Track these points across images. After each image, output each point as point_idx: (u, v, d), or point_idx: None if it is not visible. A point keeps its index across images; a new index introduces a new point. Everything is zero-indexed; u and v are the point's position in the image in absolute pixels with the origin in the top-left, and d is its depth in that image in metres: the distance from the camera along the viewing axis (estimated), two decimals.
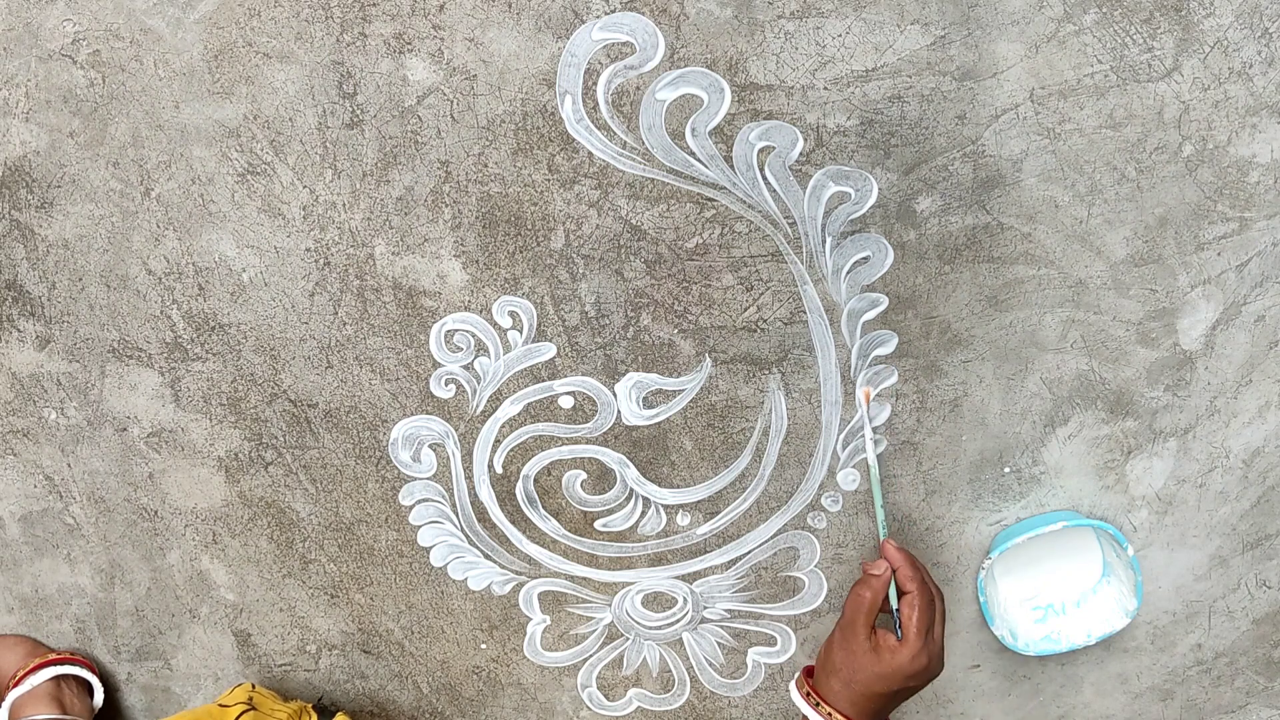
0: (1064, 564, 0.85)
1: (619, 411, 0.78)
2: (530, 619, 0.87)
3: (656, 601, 0.86)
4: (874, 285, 0.74)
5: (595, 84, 0.67)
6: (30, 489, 0.85)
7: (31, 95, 0.70)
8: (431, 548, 0.84)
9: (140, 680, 0.93)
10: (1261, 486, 0.81)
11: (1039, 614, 0.85)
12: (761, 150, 0.69)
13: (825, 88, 0.67)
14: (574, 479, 0.81)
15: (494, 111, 0.69)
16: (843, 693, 0.69)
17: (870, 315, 0.75)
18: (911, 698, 0.71)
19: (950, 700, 0.90)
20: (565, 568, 0.85)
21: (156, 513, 0.85)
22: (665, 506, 0.82)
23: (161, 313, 0.77)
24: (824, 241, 0.72)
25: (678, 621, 0.87)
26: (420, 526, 0.83)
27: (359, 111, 0.69)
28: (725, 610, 0.86)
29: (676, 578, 0.85)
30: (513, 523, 0.83)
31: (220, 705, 0.79)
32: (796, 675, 0.74)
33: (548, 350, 0.76)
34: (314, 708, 0.85)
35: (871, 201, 0.71)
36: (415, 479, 0.82)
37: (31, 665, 0.85)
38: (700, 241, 0.72)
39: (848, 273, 0.73)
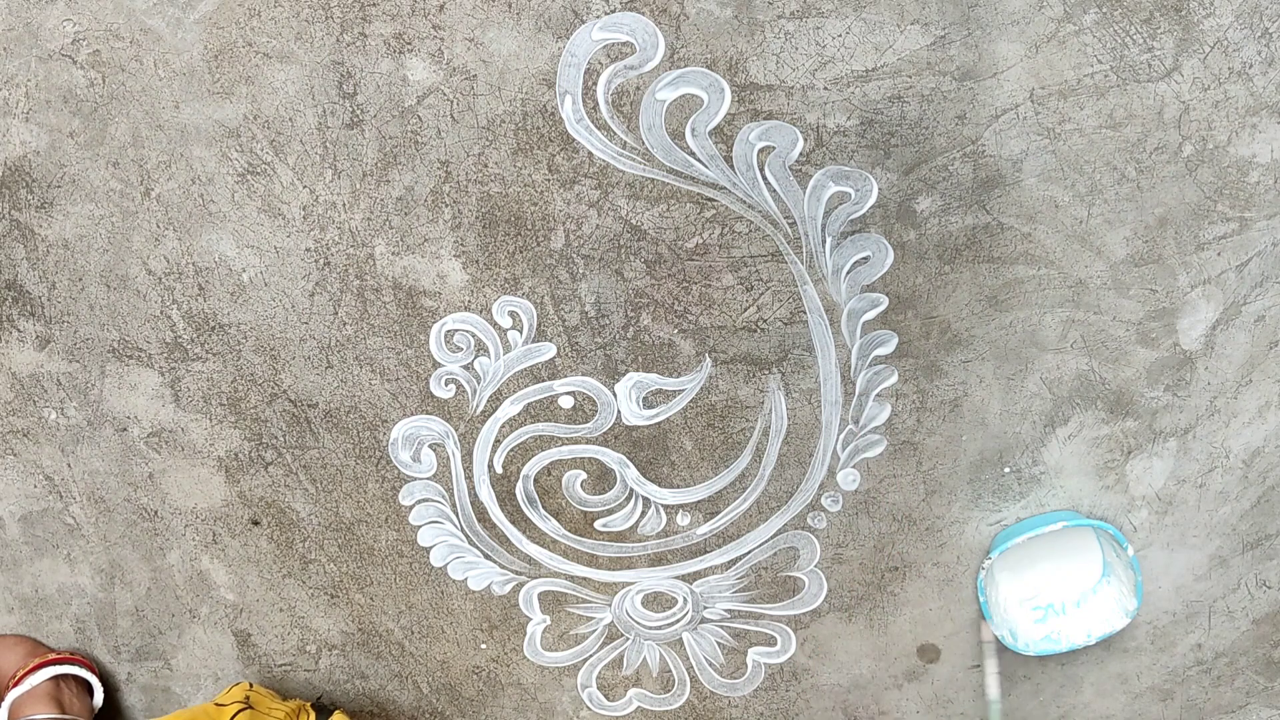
0: (1064, 564, 0.85)
1: (619, 411, 0.78)
2: (530, 619, 0.87)
3: (656, 601, 0.86)
4: (874, 285, 0.74)
5: (595, 84, 0.67)
6: (30, 489, 0.85)
7: (31, 95, 0.70)
8: (431, 548, 0.84)
9: (140, 680, 0.93)
10: (1261, 486, 0.81)
11: (1039, 614, 0.85)
12: (761, 150, 0.69)
13: (825, 88, 0.67)
14: (574, 479, 0.81)
15: (494, 111, 0.69)
16: None
17: (870, 315, 0.75)
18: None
19: (950, 700, 0.90)
20: (565, 568, 0.85)
21: (156, 513, 0.84)
22: (665, 506, 0.82)
23: (161, 313, 0.77)
24: (824, 241, 0.72)
25: (678, 621, 0.87)
26: (420, 526, 0.83)
27: (359, 111, 0.69)
28: (725, 610, 0.86)
29: (676, 578, 0.85)
30: (513, 523, 0.83)
31: (217, 704, 0.79)
32: None
33: (548, 350, 0.76)
34: (312, 706, 0.85)
35: (871, 201, 0.71)
36: (415, 479, 0.82)
37: (31, 665, 0.85)
38: (700, 241, 0.72)
39: (848, 273, 0.73)
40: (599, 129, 0.69)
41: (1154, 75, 0.67)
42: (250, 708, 0.80)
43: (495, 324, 0.76)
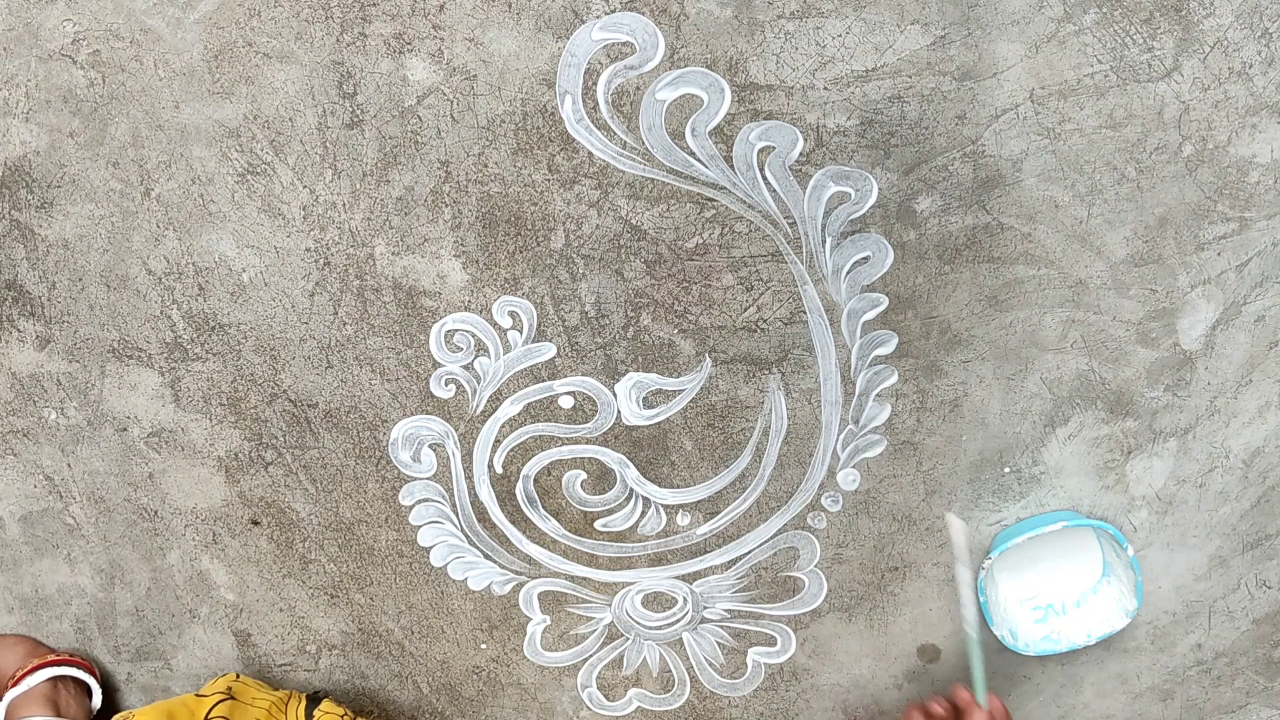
0: (1064, 564, 0.85)
1: (619, 411, 0.78)
2: (530, 619, 0.87)
3: (656, 601, 0.86)
4: (874, 285, 0.74)
5: (595, 84, 0.67)
6: (30, 489, 0.85)
7: (31, 95, 0.70)
8: (431, 548, 0.84)
9: (140, 680, 0.93)
10: (1261, 486, 0.81)
11: (1039, 614, 0.85)
12: (761, 150, 0.69)
13: (825, 88, 0.67)
14: (574, 479, 0.81)
15: (494, 111, 0.69)
16: None
17: (870, 315, 0.75)
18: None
19: None
20: (565, 568, 0.85)
21: (156, 513, 0.84)
22: (665, 506, 0.82)
23: (161, 313, 0.77)
24: (824, 241, 0.72)
25: (678, 621, 0.87)
26: (420, 526, 0.83)
27: (359, 111, 0.69)
28: (725, 610, 0.86)
29: (676, 578, 0.85)
30: (513, 523, 0.83)
31: (198, 695, 0.79)
32: None
33: (548, 350, 0.76)
34: (307, 697, 0.84)
35: (871, 201, 0.71)
36: (415, 479, 0.82)
37: (30, 666, 0.85)
38: (700, 241, 0.72)
39: (848, 273, 0.73)
40: (599, 129, 0.69)
41: (1154, 75, 0.67)
42: (232, 698, 0.79)
43: (495, 324, 0.76)
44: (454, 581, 0.86)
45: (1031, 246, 0.72)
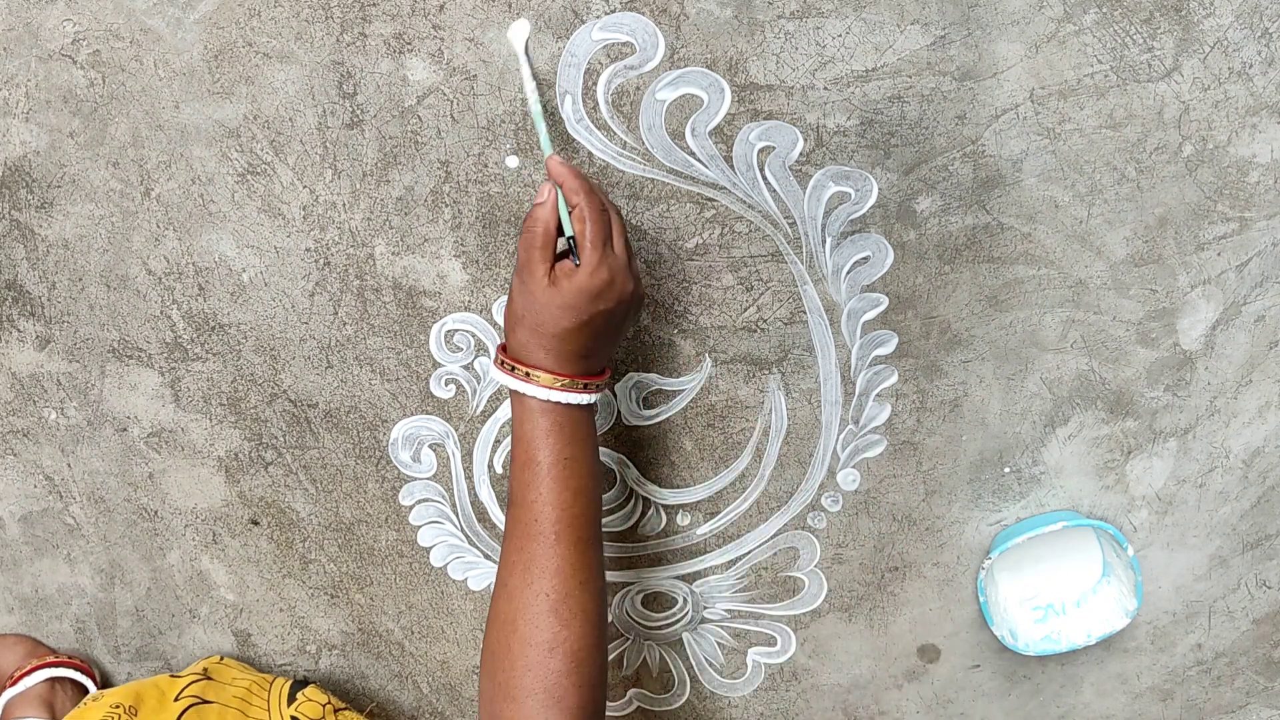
0: (1064, 564, 0.85)
1: (619, 411, 0.78)
2: None
3: (656, 601, 0.86)
4: (874, 285, 0.74)
5: (595, 84, 0.67)
6: (30, 489, 0.85)
7: (31, 95, 0.70)
8: (431, 548, 0.84)
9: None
10: (1261, 486, 0.82)
11: (1039, 614, 0.85)
12: (761, 150, 0.69)
13: (825, 88, 0.67)
14: None
15: (494, 111, 0.69)
16: (532, 341, 0.61)
17: (870, 315, 0.75)
18: (625, 334, 0.64)
19: (950, 700, 0.90)
20: None
21: (156, 513, 0.84)
22: (665, 506, 0.82)
23: (161, 313, 0.77)
24: (824, 241, 0.72)
25: (678, 621, 0.87)
26: (420, 526, 0.83)
27: (359, 111, 0.69)
28: (725, 610, 0.86)
29: (676, 578, 0.85)
30: None
31: (172, 676, 0.78)
32: (497, 359, 0.64)
33: None
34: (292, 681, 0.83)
35: (871, 201, 0.71)
36: (415, 479, 0.82)
37: (28, 666, 0.85)
38: (700, 241, 0.72)
39: (848, 273, 0.73)
40: (599, 129, 0.69)
41: (1154, 75, 0.67)
42: (208, 678, 0.78)
43: (495, 324, 0.76)
44: (454, 581, 0.86)
45: (1031, 246, 0.72)
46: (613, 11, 0.65)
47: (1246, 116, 0.68)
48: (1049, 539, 0.83)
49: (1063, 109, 0.68)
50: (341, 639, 0.89)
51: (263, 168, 0.71)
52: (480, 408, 0.79)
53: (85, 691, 0.88)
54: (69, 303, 0.77)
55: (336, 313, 0.76)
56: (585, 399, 0.62)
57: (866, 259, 0.73)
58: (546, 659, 0.61)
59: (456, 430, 0.79)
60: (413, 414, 0.79)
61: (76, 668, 0.88)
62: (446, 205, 0.72)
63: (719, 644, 0.88)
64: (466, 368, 0.77)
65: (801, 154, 0.69)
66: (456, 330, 0.76)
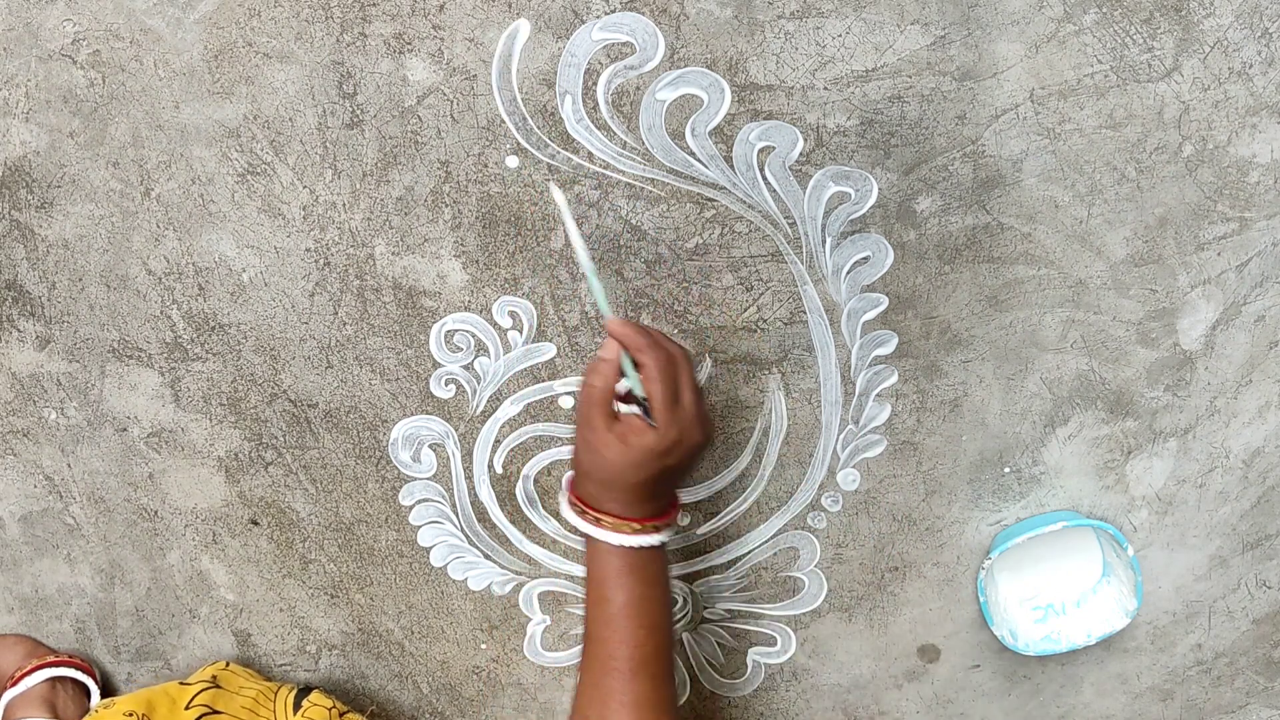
0: (1064, 564, 0.85)
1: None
2: (530, 619, 0.87)
3: None
4: (874, 285, 0.74)
5: (595, 84, 0.67)
6: (30, 489, 0.85)
7: (31, 95, 0.70)
8: (431, 548, 0.84)
9: (140, 680, 0.93)
10: (1261, 486, 0.82)
11: (1039, 614, 0.85)
12: (761, 150, 0.69)
13: (825, 88, 0.67)
14: None
15: (494, 111, 0.69)
16: (602, 494, 0.62)
17: (870, 315, 0.75)
18: (691, 469, 0.65)
19: (950, 700, 0.90)
20: (565, 568, 0.85)
21: (156, 513, 0.84)
22: None
23: (161, 313, 0.77)
24: (824, 241, 0.72)
25: (678, 621, 0.87)
26: (420, 526, 0.83)
27: (359, 111, 0.69)
28: (725, 610, 0.86)
29: (676, 578, 0.85)
30: (513, 523, 0.83)
31: (182, 683, 0.78)
32: (565, 494, 0.66)
33: (548, 350, 0.76)
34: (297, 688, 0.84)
35: (871, 201, 0.71)
36: (415, 479, 0.82)
37: (29, 666, 0.85)
38: (700, 241, 0.72)
39: (848, 273, 0.73)
40: (599, 129, 0.69)
41: (1154, 75, 0.67)
42: (217, 686, 0.78)
43: (495, 324, 0.76)
44: (454, 581, 0.86)
45: (1031, 246, 0.72)
46: (613, 11, 0.65)
47: (1246, 116, 0.68)
48: (1049, 539, 0.83)
49: (1063, 109, 0.68)
50: (341, 639, 0.89)
51: (263, 168, 0.71)
52: (480, 408, 0.79)
53: (86, 691, 0.88)
54: (69, 303, 0.77)
55: (336, 313, 0.76)
56: (655, 540, 0.63)
57: (866, 259, 0.73)
58: None
59: (456, 430, 0.79)
60: (413, 414, 0.79)
61: (77, 667, 0.88)
62: (446, 205, 0.72)
63: (719, 644, 0.88)
64: (466, 368, 0.77)
65: (801, 154, 0.69)
66: (456, 330, 0.76)
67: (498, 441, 0.80)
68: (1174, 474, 0.81)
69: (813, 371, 0.76)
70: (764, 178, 0.70)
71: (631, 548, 0.63)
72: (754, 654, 0.88)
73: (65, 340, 0.78)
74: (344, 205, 0.72)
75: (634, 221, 0.72)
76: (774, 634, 0.87)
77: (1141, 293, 0.74)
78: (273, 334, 0.77)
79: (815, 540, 0.83)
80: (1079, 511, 0.82)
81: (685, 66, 0.67)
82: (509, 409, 0.78)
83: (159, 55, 0.68)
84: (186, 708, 0.74)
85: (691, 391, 0.62)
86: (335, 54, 0.68)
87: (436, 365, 0.77)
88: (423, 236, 0.73)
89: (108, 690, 0.91)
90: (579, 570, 0.84)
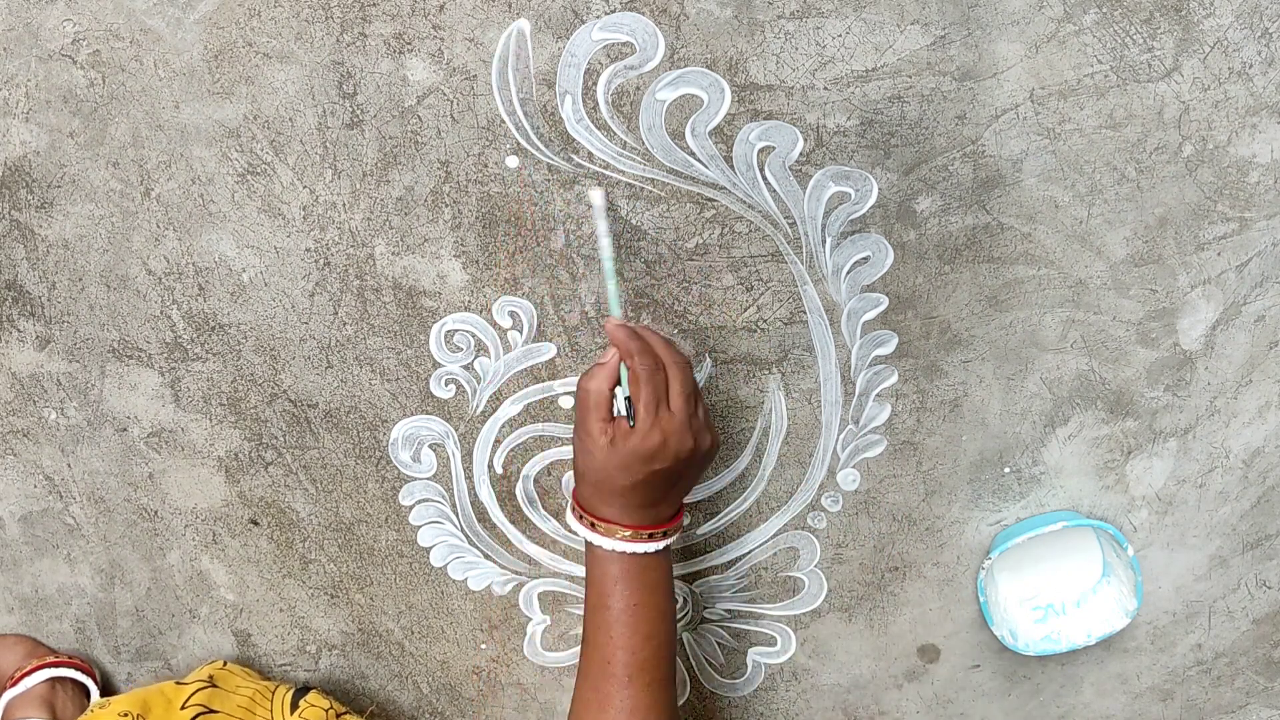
0: (1064, 564, 0.85)
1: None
2: (530, 619, 0.87)
3: None
4: (874, 285, 0.74)
5: (595, 84, 0.67)
6: (30, 489, 0.85)
7: (31, 95, 0.70)
8: (431, 548, 0.84)
9: (140, 680, 0.93)
10: (1261, 486, 0.82)
11: (1039, 614, 0.85)
12: (761, 150, 0.69)
13: (825, 88, 0.67)
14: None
15: (494, 111, 0.69)
16: (597, 496, 0.63)
17: (870, 315, 0.75)
18: (695, 482, 0.65)
19: (950, 700, 0.90)
20: (565, 568, 0.85)
21: (156, 513, 0.84)
22: None
23: (161, 313, 0.77)
24: (824, 241, 0.72)
25: (678, 622, 0.87)
26: (420, 526, 0.83)
27: (359, 111, 0.69)
28: (725, 610, 0.86)
29: (676, 578, 0.85)
30: (513, 523, 0.83)
31: (178, 683, 0.78)
32: (570, 507, 0.67)
33: (548, 350, 0.76)
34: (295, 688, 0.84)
35: (871, 201, 0.71)
36: (415, 479, 0.82)
37: (29, 667, 0.85)
38: (700, 241, 0.72)
39: (848, 273, 0.73)
40: (599, 129, 0.69)
41: (1154, 75, 0.67)
42: (213, 685, 0.78)
43: (495, 324, 0.76)
44: (454, 581, 0.86)
45: (1031, 246, 0.72)
46: (613, 11, 0.65)
47: (1246, 116, 0.68)
48: (1049, 539, 0.83)
49: (1063, 109, 0.68)
50: (341, 639, 0.89)
51: (263, 168, 0.71)
52: (480, 408, 0.79)
53: (86, 691, 0.88)
54: (69, 303, 0.77)
55: (336, 313, 0.76)
56: (652, 547, 0.64)
57: (866, 259, 0.73)
58: None
59: (456, 430, 0.79)
60: (413, 414, 0.79)
61: (77, 667, 0.88)
62: (446, 205, 0.72)
63: (719, 644, 0.88)
64: (466, 368, 0.77)
65: (801, 154, 0.69)
66: (456, 330, 0.76)
67: (498, 441, 0.80)
68: (1174, 474, 0.81)
69: (813, 371, 0.76)
70: (764, 178, 0.70)
71: (627, 553, 0.63)
72: (754, 654, 0.88)
73: (65, 340, 0.78)
74: (344, 205, 0.72)
75: (634, 221, 0.72)
76: (774, 634, 0.87)
77: (1141, 293, 0.74)
78: (273, 334, 0.77)
79: (815, 540, 0.83)
80: (1079, 511, 0.82)
81: (685, 66, 0.67)
82: (509, 409, 0.78)
83: (159, 55, 0.68)
84: (182, 707, 0.74)
85: (682, 398, 0.63)
86: (335, 54, 0.68)
87: (436, 365, 0.77)
88: (423, 236, 0.73)
89: (107, 690, 0.91)
90: (579, 570, 0.84)
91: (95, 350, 0.78)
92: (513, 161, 0.70)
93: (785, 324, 0.75)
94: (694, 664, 0.89)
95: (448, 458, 0.81)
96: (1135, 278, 0.73)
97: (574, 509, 0.66)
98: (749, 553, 0.84)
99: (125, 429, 0.81)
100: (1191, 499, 0.82)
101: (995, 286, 0.74)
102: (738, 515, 0.82)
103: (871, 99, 0.68)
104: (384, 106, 0.69)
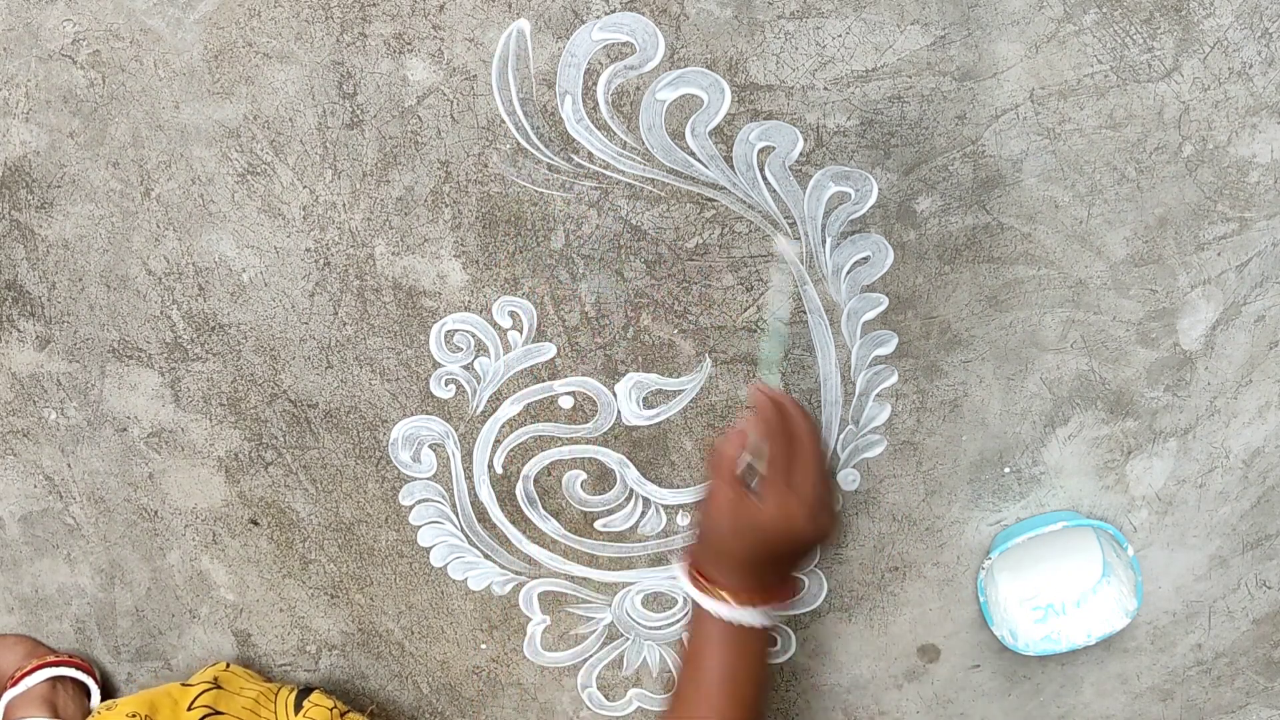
0: (1064, 564, 0.85)
1: (619, 412, 0.78)
2: (530, 619, 0.87)
3: (657, 601, 0.86)
4: (874, 285, 0.74)
5: (595, 84, 0.67)
6: (30, 489, 0.85)
7: (31, 95, 0.70)
8: (431, 548, 0.84)
9: (140, 680, 0.93)
10: (1261, 486, 0.82)
11: (1039, 614, 0.85)
12: (761, 150, 0.69)
13: (825, 88, 0.67)
14: (574, 479, 0.81)
15: (494, 111, 0.69)
16: (712, 559, 0.62)
17: (870, 315, 0.75)
18: (806, 563, 0.64)
19: (950, 700, 0.90)
20: (565, 568, 0.85)
21: (156, 513, 0.84)
22: (665, 506, 0.82)
23: (161, 313, 0.77)
24: (824, 241, 0.72)
25: (678, 621, 0.87)
26: (420, 526, 0.83)
27: (359, 111, 0.69)
28: None
29: (676, 578, 0.85)
30: (513, 523, 0.83)
31: (184, 685, 0.78)
32: (682, 562, 0.66)
33: (548, 350, 0.76)
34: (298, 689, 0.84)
35: (871, 201, 0.71)
36: (415, 479, 0.82)
37: (30, 666, 0.85)
38: (700, 241, 0.72)
39: (848, 273, 0.73)
40: (599, 129, 0.69)
41: (1154, 75, 0.67)
42: (219, 687, 0.79)
43: (495, 324, 0.76)
44: (454, 581, 0.86)
45: (1031, 246, 0.72)
46: (613, 11, 0.65)
47: (1246, 116, 0.68)
48: (1049, 539, 0.83)
49: (1063, 109, 0.68)
50: (341, 639, 0.89)
51: (263, 168, 0.71)
52: (480, 408, 0.79)
53: (86, 691, 0.88)
54: (69, 303, 0.77)
55: (336, 313, 0.76)
56: (757, 621, 0.63)
57: (866, 259, 0.73)
58: None
59: (456, 430, 0.79)
60: (413, 414, 0.79)
61: (78, 667, 0.88)
62: (446, 205, 0.72)
63: None
64: (466, 368, 0.77)
65: (801, 154, 0.69)
66: (456, 330, 0.76)
67: (498, 441, 0.80)
68: (1174, 474, 0.81)
69: (812, 372, 0.76)
70: (764, 178, 0.70)
71: (728, 620, 0.62)
72: None
73: (65, 340, 0.78)
74: (344, 205, 0.72)
75: (634, 221, 0.72)
76: (774, 634, 0.87)
77: (1141, 293, 0.74)
78: (273, 334, 0.77)
79: None
80: (1079, 511, 0.82)
81: (685, 66, 0.67)
82: (509, 409, 0.78)
83: (159, 55, 0.68)
84: (189, 709, 0.75)
85: (811, 477, 0.61)
86: (335, 54, 0.68)
87: (436, 365, 0.77)
88: (423, 236, 0.73)
89: (108, 690, 0.91)
90: (579, 570, 0.85)
91: (95, 350, 0.78)
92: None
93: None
94: None
95: (448, 458, 0.81)
96: (1135, 278, 0.73)
97: (685, 564, 0.65)
98: None
99: (125, 429, 0.81)
100: (1191, 499, 0.82)
101: (995, 286, 0.74)
102: None
103: (871, 99, 0.68)
104: (384, 106, 0.69)
